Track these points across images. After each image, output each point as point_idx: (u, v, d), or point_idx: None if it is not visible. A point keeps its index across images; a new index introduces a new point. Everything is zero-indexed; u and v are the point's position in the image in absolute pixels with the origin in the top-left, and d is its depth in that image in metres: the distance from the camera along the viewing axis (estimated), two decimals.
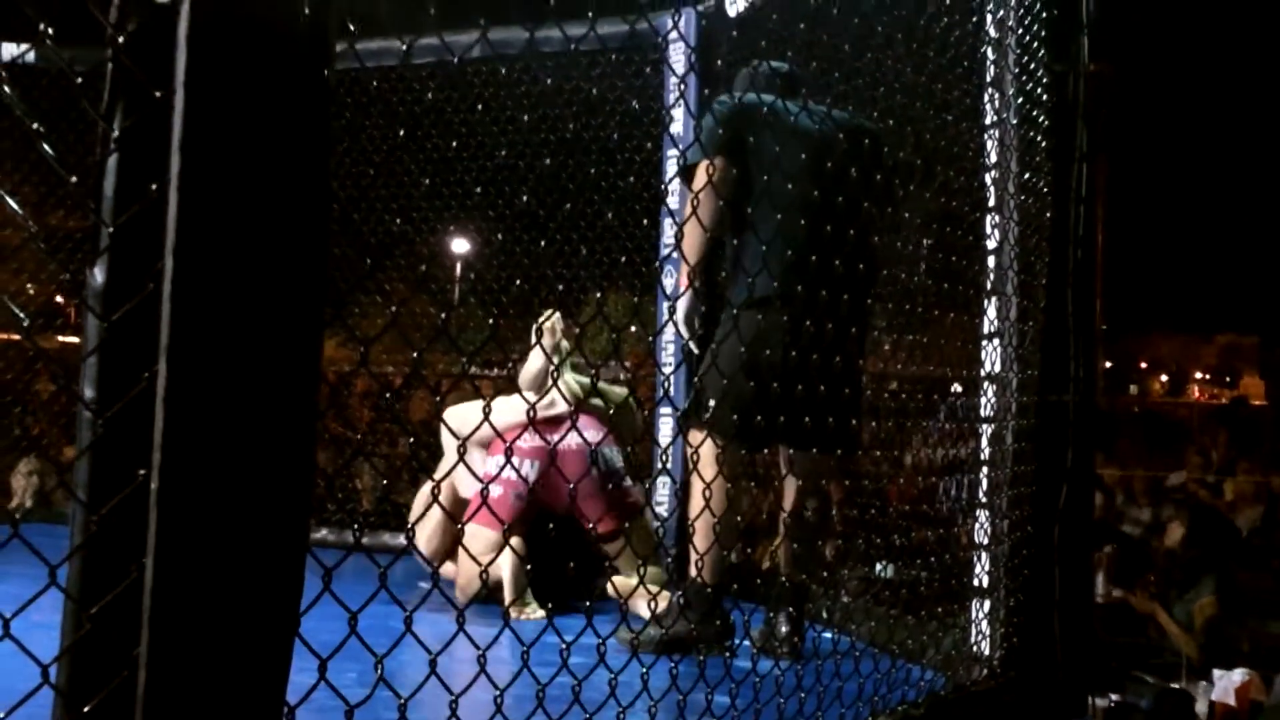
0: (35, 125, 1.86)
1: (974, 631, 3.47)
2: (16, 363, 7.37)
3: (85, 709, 1.46)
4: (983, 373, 3.52)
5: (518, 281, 6.89)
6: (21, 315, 1.68)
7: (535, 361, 5.03)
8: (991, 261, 3.62)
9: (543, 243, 6.44)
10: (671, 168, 5.64)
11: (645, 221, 5.90)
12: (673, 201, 5.43)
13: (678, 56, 5.65)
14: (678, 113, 5.56)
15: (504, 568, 4.73)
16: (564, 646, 2.36)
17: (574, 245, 6.20)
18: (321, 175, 1.54)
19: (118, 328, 1.50)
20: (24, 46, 6.23)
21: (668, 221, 5.68)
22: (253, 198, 1.45)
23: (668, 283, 5.20)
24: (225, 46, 1.44)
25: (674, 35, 5.44)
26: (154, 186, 1.46)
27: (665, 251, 5.55)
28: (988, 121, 3.68)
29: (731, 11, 5.64)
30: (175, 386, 1.40)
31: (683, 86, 5.34)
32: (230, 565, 1.43)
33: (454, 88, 6.37)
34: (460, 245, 13.18)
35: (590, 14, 2.66)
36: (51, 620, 1.51)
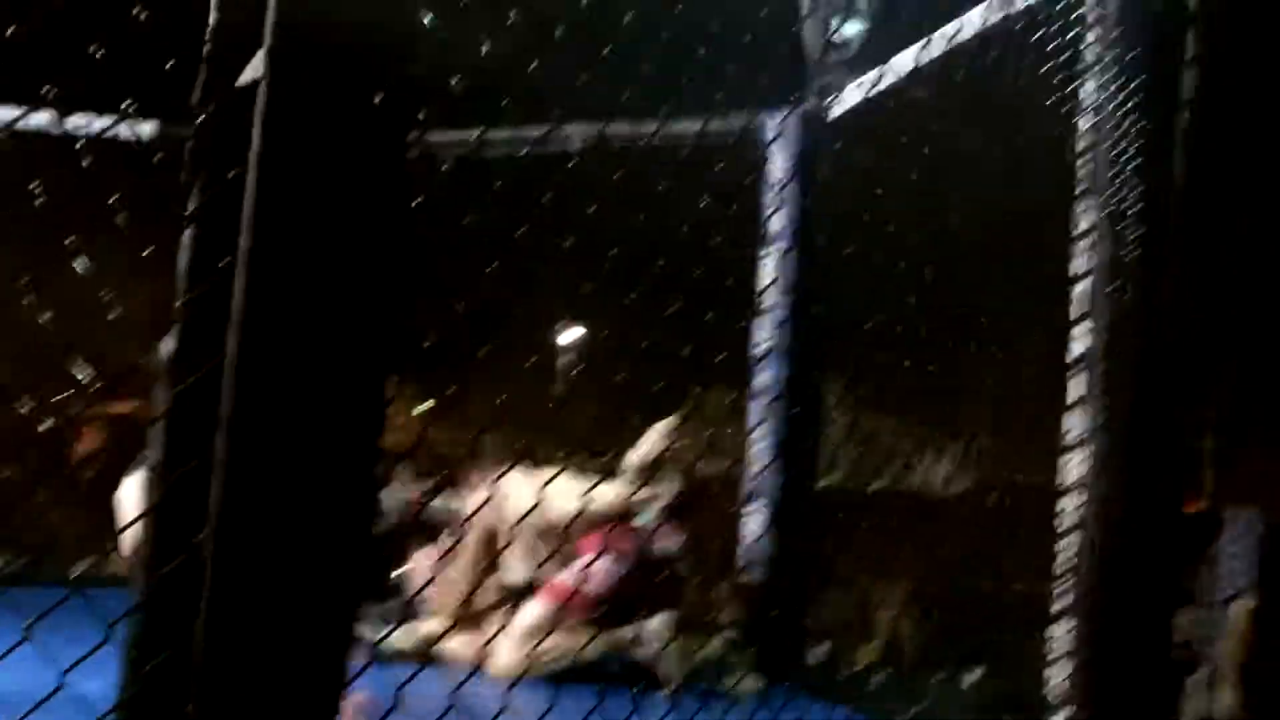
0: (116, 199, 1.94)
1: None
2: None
3: None
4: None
5: (618, 376, 6.93)
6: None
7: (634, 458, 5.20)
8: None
9: (644, 343, 6.48)
10: (769, 268, 5.68)
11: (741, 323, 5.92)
12: (768, 301, 5.47)
13: (778, 162, 5.71)
14: (776, 220, 5.62)
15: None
16: None
17: (674, 344, 6.23)
18: (390, 255, 1.58)
19: (184, 397, 1.54)
20: (109, 120, 6.38)
21: (762, 321, 5.71)
22: (316, 279, 1.49)
23: (762, 380, 5.27)
24: (298, 127, 1.49)
25: (772, 137, 5.50)
26: (223, 262, 1.51)
27: (760, 350, 5.59)
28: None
29: (834, 113, 5.68)
30: (234, 465, 1.44)
31: (783, 194, 5.41)
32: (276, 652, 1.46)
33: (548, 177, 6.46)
34: (570, 334, 13.34)
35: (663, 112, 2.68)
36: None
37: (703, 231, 5.83)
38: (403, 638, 4.85)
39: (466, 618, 5.22)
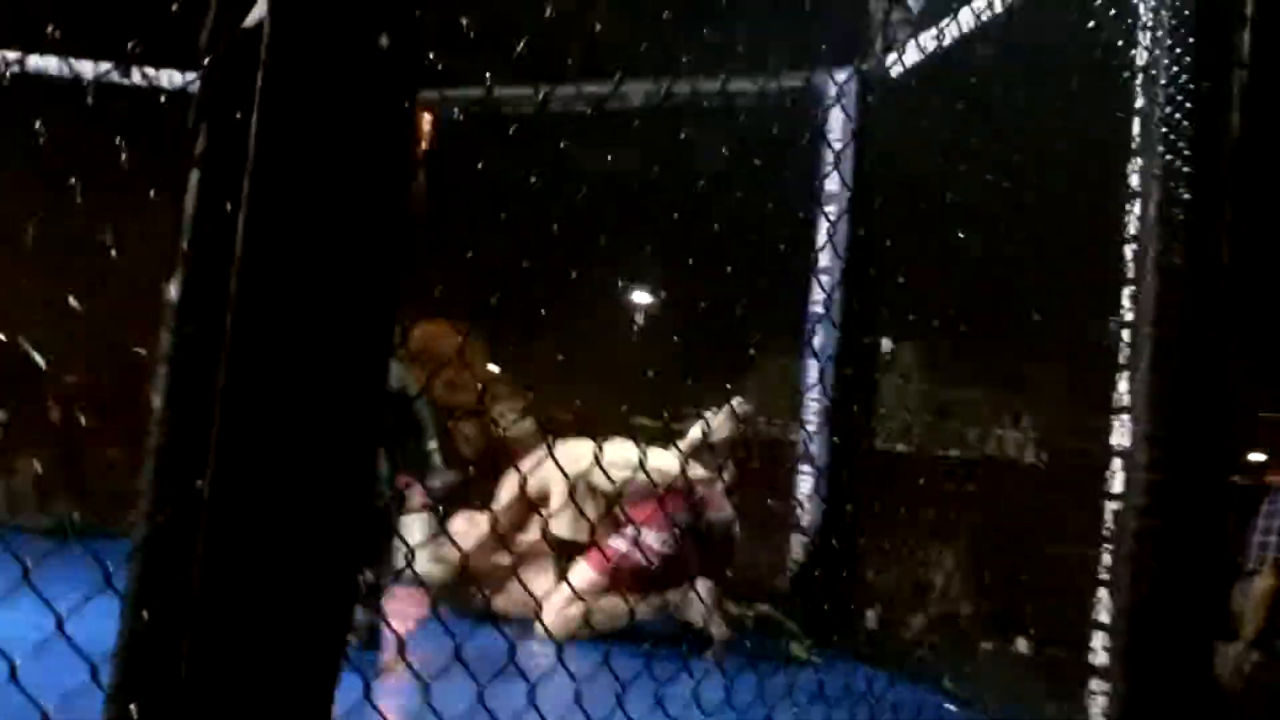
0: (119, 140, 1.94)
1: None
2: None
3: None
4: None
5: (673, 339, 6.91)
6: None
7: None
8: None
9: (701, 304, 6.45)
10: (823, 231, 5.62)
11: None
12: (823, 262, 5.42)
13: (836, 119, 5.64)
14: (833, 180, 5.55)
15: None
16: None
17: (731, 307, 6.19)
18: (395, 204, 1.56)
19: (187, 341, 1.53)
20: (109, 65, 6.39)
21: (818, 283, 5.66)
22: (318, 225, 1.48)
23: (816, 342, 5.22)
24: (300, 70, 1.47)
25: (831, 97, 5.44)
26: (228, 206, 1.50)
27: (815, 312, 5.55)
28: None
29: (894, 71, 5.61)
30: (233, 411, 1.43)
31: (841, 153, 5.36)
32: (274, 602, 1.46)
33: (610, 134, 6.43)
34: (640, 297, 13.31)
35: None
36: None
37: (762, 192, 5.79)
38: (435, 567, 4.92)
39: (492, 570, 5.25)
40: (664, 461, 4.95)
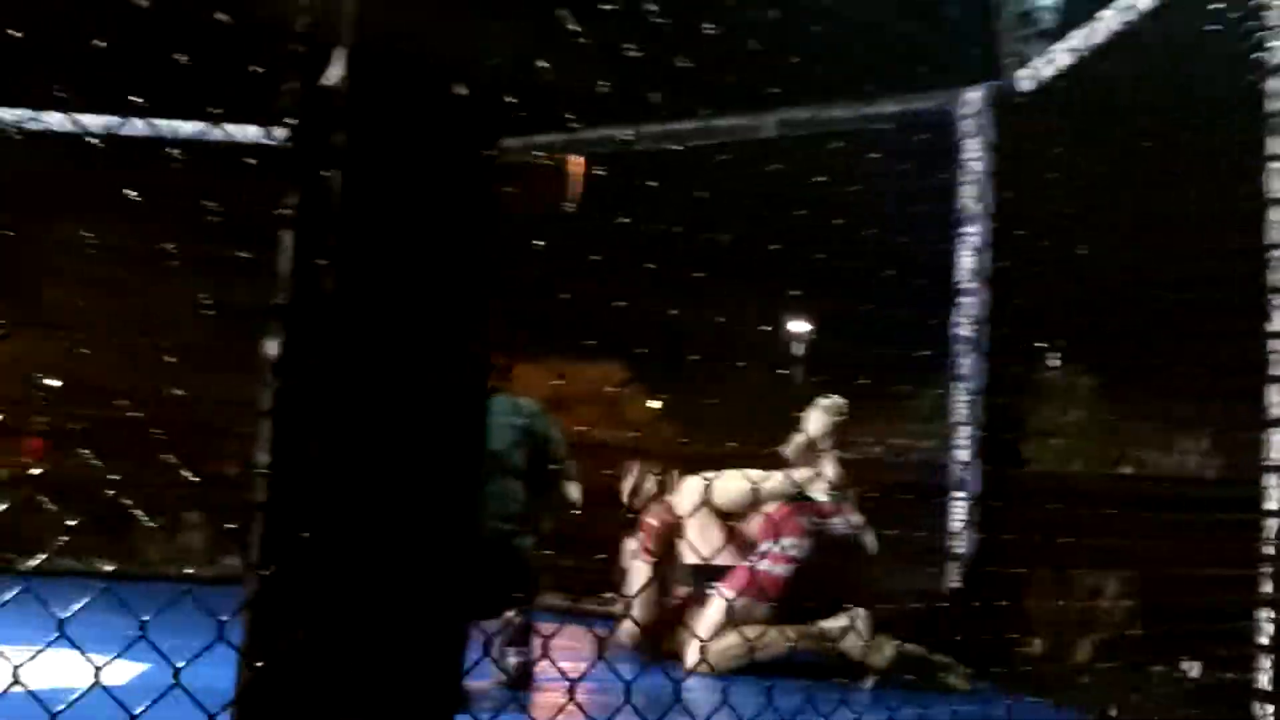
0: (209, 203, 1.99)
1: None
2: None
3: None
4: None
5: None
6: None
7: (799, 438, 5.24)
8: None
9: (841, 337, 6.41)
10: (965, 257, 5.55)
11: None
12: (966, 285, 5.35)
13: (969, 141, 5.57)
14: (971, 203, 5.49)
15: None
16: None
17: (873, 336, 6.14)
18: (479, 250, 1.58)
19: (287, 395, 1.57)
20: (199, 125, 6.52)
21: (961, 311, 5.58)
22: (404, 275, 1.50)
23: (963, 371, 5.19)
24: (380, 123, 1.51)
25: (965, 118, 5.37)
26: (321, 263, 1.53)
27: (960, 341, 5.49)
28: None
29: (1023, 87, 5.51)
30: (331, 459, 1.46)
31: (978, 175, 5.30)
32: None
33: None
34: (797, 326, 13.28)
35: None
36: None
37: (899, 220, 5.73)
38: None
39: (658, 610, 5.29)
40: (774, 480, 5.06)
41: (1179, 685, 4.35)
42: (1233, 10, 3.74)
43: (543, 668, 4.12)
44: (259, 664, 1.54)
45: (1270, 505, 3.25)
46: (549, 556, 4.86)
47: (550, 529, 4.82)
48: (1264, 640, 3.18)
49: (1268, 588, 3.23)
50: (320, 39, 1.56)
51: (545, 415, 4.90)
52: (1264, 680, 3.18)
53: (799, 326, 13.23)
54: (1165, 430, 7.19)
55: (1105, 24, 4.86)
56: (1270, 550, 3.22)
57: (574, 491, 4.82)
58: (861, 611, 4.88)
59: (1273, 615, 3.18)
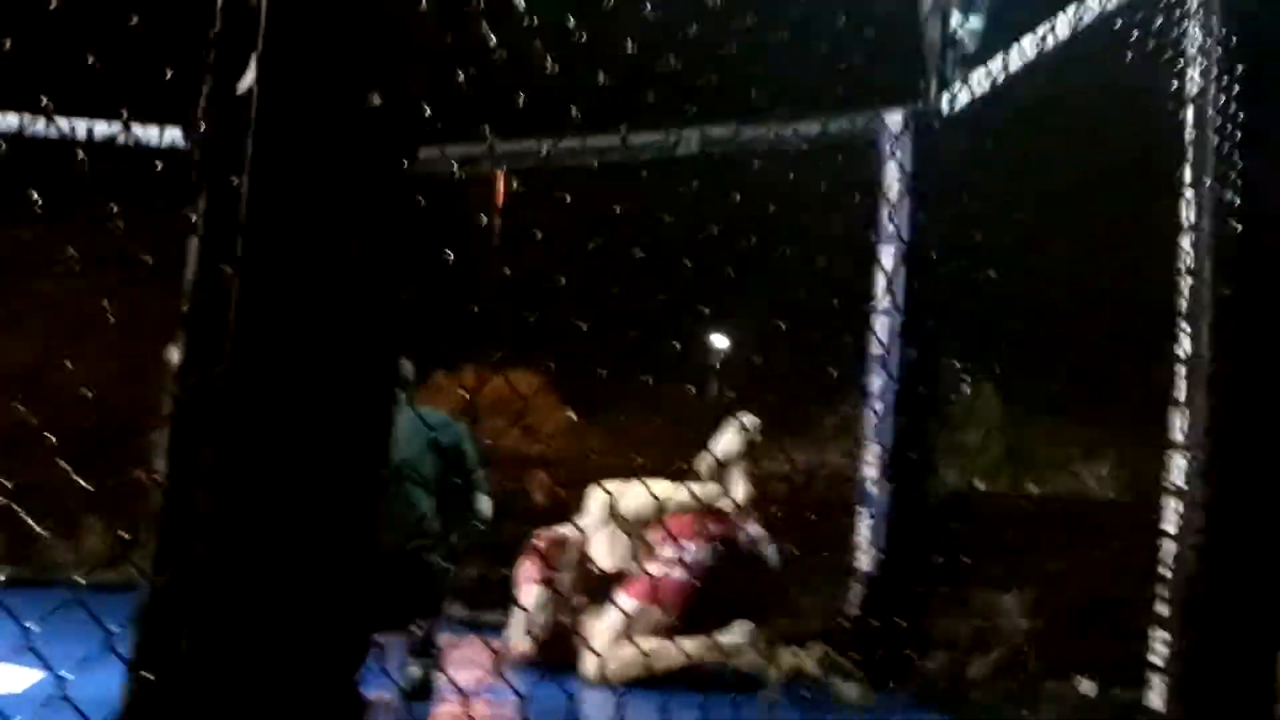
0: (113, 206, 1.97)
1: None
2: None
3: None
4: None
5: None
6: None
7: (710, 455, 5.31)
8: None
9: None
10: (880, 277, 5.62)
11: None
12: (880, 304, 5.41)
13: (888, 162, 5.63)
14: (891, 222, 5.54)
15: None
16: None
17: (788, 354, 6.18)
18: (390, 260, 1.57)
19: (188, 404, 1.55)
20: (111, 125, 6.43)
21: (876, 327, 5.65)
22: (310, 284, 1.49)
23: (874, 390, 5.27)
24: (290, 132, 1.49)
25: (885, 140, 5.43)
26: (226, 270, 1.52)
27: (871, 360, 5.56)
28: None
29: (944, 110, 5.58)
30: (226, 472, 1.45)
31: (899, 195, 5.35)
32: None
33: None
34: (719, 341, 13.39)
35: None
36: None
37: (818, 238, 5.77)
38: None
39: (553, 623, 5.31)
40: (681, 494, 5.10)
41: (1073, 703, 4.42)
42: (1151, 39, 3.80)
43: (443, 680, 4.11)
44: (148, 675, 1.52)
45: (1168, 528, 3.29)
46: (455, 569, 4.83)
47: (461, 542, 4.81)
48: (1156, 660, 3.24)
49: (1162, 609, 3.27)
50: (234, 45, 1.55)
51: (456, 426, 4.90)
52: (1155, 699, 3.23)
53: (719, 341, 13.34)
54: (1072, 451, 7.33)
55: (1025, 49, 4.93)
56: (1166, 572, 3.26)
57: (485, 504, 4.82)
58: (750, 625, 4.93)
59: (1165, 636, 3.23)
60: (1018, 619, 4.96)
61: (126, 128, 6.08)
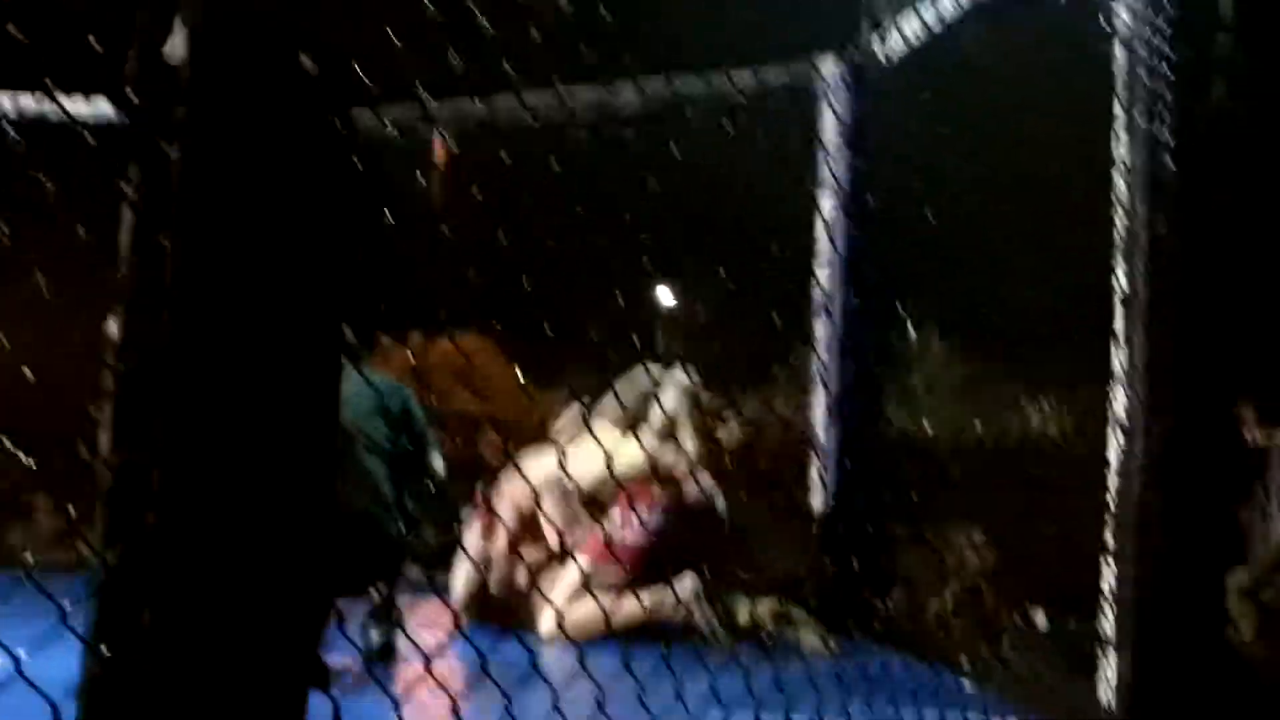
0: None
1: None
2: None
3: None
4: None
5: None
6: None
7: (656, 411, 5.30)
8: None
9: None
10: (821, 226, 5.64)
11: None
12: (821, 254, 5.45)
13: (825, 110, 5.64)
14: (830, 171, 5.56)
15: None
16: None
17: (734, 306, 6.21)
18: (330, 225, 1.56)
19: (130, 377, 1.54)
20: (37, 99, 6.35)
21: (818, 276, 5.67)
22: (249, 252, 1.48)
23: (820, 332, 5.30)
24: (221, 97, 1.48)
25: (822, 88, 5.45)
26: (162, 240, 1.50)
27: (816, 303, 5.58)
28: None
29: (884, 57, 5.57)
30: (172, 447, 1.44)
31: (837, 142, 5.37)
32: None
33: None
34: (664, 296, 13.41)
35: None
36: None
37: (758, 189, 5.77)
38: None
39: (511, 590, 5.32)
40: (631, 451, 5.07)
41: (1028, 636, 4.49)
42: None
43: (405, 642, 4.13)
44: (106, 651, 1.51)
45: (1111, 459, 3.35)
46: (411, 531, 4.84)
47: (417, 505, 4.82)
48: (1106, 590, 3.30)
49: (1111, 539, 3.33)
50: (162, 8, 1.53)
51: (404, 389, 4.89)
52: (1106, 628, 3.30)
53: (665, 297, 13.36)
54: (1018, 390, 7.42)
55: None
56: (1112, 504, 3.32)
57: (438, 462, 4.84)
58: (694, 577, 4.98)
59: (1114, 566, 3.30)
60: (972, 557, 5.03)
61: (52, 99, 5.98)
